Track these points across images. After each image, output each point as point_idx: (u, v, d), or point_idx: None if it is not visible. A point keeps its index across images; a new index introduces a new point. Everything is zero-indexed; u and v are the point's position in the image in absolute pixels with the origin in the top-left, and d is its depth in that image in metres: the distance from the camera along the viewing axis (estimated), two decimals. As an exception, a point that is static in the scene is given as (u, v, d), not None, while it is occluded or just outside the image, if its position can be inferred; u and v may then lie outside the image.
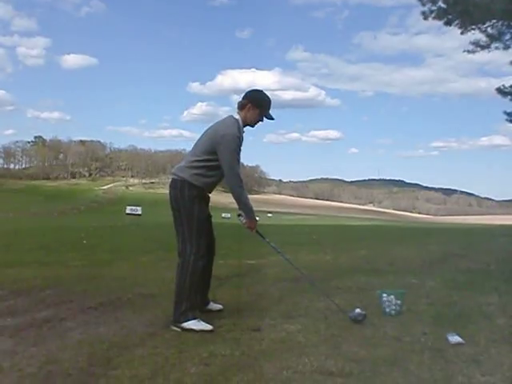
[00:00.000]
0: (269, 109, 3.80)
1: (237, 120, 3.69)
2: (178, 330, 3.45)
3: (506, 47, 11.54)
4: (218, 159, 3.57)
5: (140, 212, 61.54)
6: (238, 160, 3.63)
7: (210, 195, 3.82)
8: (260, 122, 3.81)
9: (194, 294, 3.58)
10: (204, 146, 3.66)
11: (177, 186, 3.64)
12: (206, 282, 3.88)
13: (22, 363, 2.78)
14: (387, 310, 3.88)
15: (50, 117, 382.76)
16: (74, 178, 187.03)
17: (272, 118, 3.83)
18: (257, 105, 3.72)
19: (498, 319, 3.75)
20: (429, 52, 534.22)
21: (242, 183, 3.62)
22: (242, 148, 3.67)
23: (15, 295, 4.76)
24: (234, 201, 3.67)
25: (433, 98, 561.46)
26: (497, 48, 11.61)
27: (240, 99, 3.77)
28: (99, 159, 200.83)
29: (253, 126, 3.81)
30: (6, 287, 5.13)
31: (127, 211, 61.88)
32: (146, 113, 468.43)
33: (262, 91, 3.85)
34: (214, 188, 3.79)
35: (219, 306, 4.03)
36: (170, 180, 3.75)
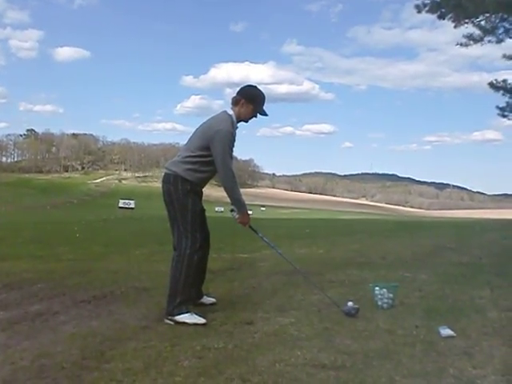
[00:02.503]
0: (263, 105, 3.79)
1: (230, 116, 3.67)
2: (171, 323, 3.46)
3: (499, 41, 11.59)
4: (211, 155, 3.56)
5: (133, 205, 61.09)
6: (231, 155, 3.62)
7: (202, 190, 3.82)
8: (254, 118, 3.80)
9: (188, 287, 3.58)
10: (198, 142, 3.64)
11: (169, 180, 3.63)
12: (200, 276, 3.88)
13: (15, 356, 2.77)
14: (379, 303, 3.90)
15: (42, 110, 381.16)
16: (67, 171, 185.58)
17: (266, 114, 3.81)
18: (250, 101, 3.71)
19: (489, 312, 3.78)
20: (422, 46, 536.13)
21: (234, 179, 3.61)
22: (235, 144, 3.66)
23: (8, 288, 4.74)
24: (226, 195, 3.67)
25: (426, 93, 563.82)
26: (490, 42, 11.66)
27: (234, 94, 3.76)
28: (92, 152, 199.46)
29: (246, 122, 3.80)
30: (-2, 281, 5.10)
31: (120, 205, 61.36)
32: (139, 106, 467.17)
33: (256, 87, 3.82)
34: (207, 183, 3.78)
35: (212, 300, 4.04)
36: (162, 174, 3.74)
